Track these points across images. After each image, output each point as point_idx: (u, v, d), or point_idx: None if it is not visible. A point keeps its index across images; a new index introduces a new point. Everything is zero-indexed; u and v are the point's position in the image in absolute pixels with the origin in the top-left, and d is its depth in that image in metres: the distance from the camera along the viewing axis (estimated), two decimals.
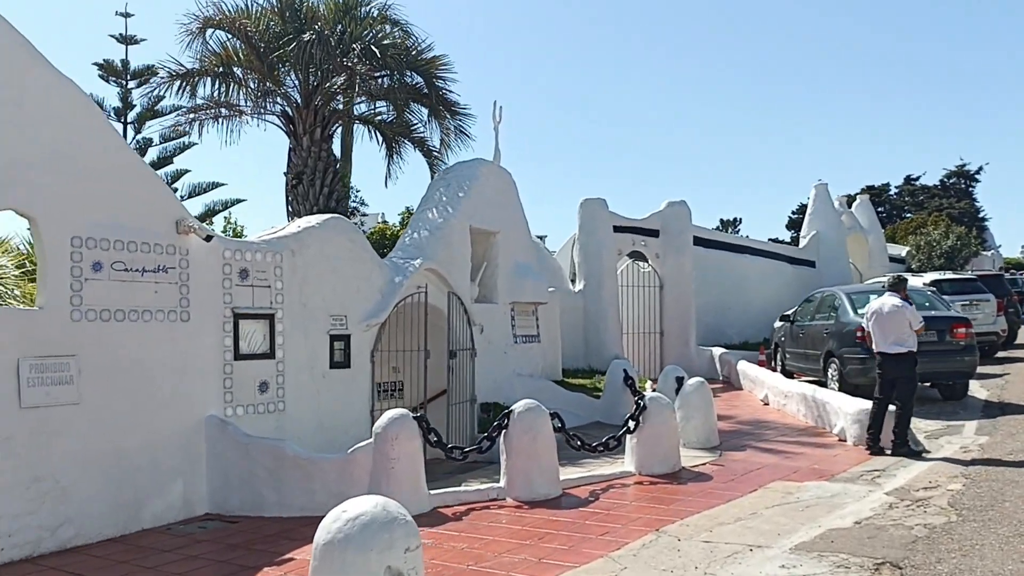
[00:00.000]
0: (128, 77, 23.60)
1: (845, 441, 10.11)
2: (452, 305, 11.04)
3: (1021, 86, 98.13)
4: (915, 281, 19.18)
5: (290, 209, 14.28)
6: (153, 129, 23.52)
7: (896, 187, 61.84)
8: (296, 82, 13.98)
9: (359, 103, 15.04)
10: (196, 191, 22.95)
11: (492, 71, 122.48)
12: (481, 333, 12.08)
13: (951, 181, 58.92)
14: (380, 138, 15.67)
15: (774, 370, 16.02)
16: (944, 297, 17.77)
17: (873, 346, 9.77)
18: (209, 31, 13.94)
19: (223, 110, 14.31)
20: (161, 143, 22.93)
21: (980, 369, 16.75)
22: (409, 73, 14.32)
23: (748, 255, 22.79)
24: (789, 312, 15.69)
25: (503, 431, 7.96)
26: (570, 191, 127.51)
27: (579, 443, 8.61)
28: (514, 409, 8.04)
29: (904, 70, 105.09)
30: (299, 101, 14.12)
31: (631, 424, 8.70)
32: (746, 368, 15.88)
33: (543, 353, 14.06)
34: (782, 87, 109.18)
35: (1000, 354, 19.42)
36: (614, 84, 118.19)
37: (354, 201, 14.67)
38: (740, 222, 68.19)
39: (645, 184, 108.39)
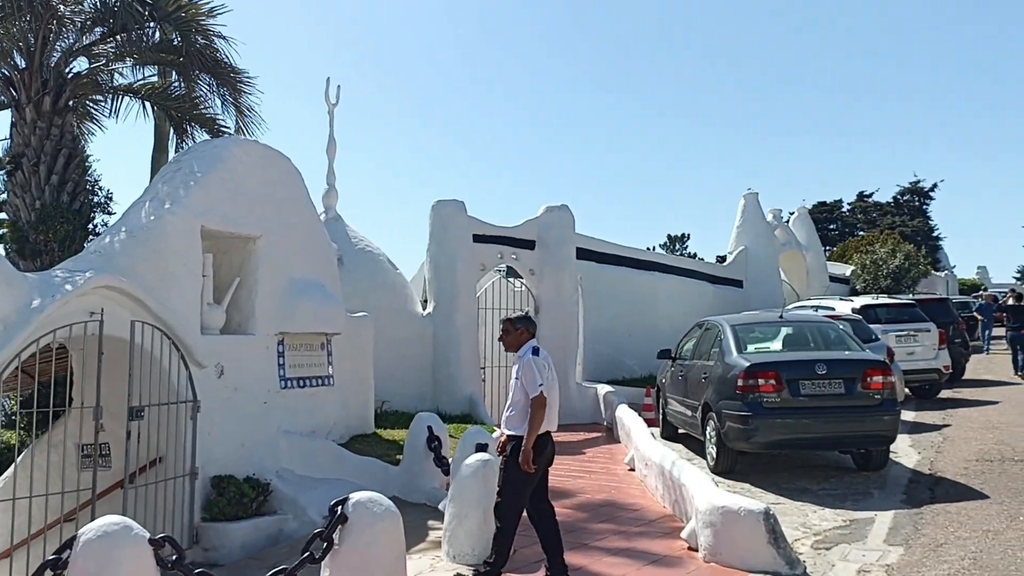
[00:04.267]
0: None
1: (695, 551, 6.80)
2: (145, 339, 7.59)
3: (977, 101, 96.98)
4: (842, 306, 16.06)
5: (6, 203, 10.79)
6: None
7: (849, 203, 59.44)
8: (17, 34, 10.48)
9: (117, 69, 11.55)
10: None
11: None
12: (219, 377, 8.66)
13: (904, 198, 56.65)
14: (161, 117, 12.22)
15: (662, 418, 12.72)
16: (875, 327, 14.70)
17: None
18: None
19: None
20: None
21: (916, 417, 13.66)
22: (177, 33, 10.89)
23: (656, 272, 19.55)
24: (671, 347, 12.37)
25: None
26: (501, 207, 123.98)
27: None
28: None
29: (859, 83, 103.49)
30: (21, 62, 10.63)
31: (320, 545, 5.34)
32: (624, 415, 12.55)
33: (343, 400, 10.64)
34: (734, 101, 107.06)
35: (944, 393, 16.35)
36: (551, 91, 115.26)
37: (103, 196, 10.97)
38: (688, 238, 65.28)
39: (588, 201, 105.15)
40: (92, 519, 5.84)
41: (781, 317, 10.46)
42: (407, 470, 9.49)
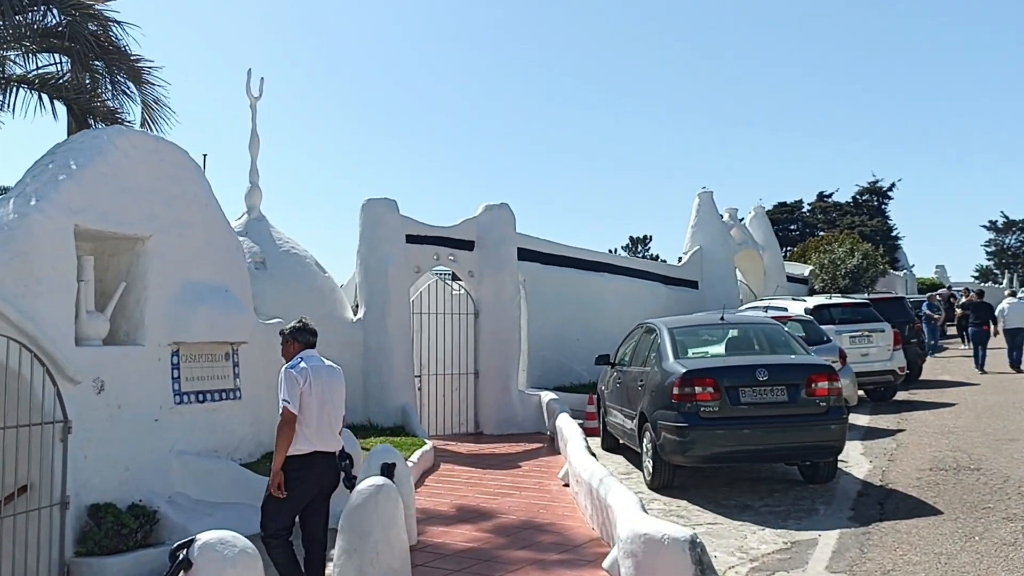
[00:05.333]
0: None
1: None
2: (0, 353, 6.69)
3: (936, 100, 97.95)
4: (794, 307, 15.46)
5: None
6: None
7: (809, 204, 59.35)
8: None
9: (8, 57, 10.59)
10: None
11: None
12: (99, 393, 7.77)
13: (863, 198, 56.61)
14: (53, 109, 11.24)
15: (603, 428, 12.00)
16: (828, 328, 14.11)
17: None
18: None
19: None
20: None
21: (870, 422, 13.07)
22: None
23: (605, 273, 18.82)
24: (611, 352, 11.63)
25: None
26: (449, 210, 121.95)
27: None
28: None
29: (818, 84, 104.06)
30: None
31: None
32: (564, 425, 11.79)
33: (253, 415, 9.77)
34: (695, 102, 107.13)
35: (900, 395, 15.81)
36: (502, 84, 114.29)
37: None
38: (651, 240, 65.05)
39: (542, 203, 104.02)
40: None
41: (723, 319, 9.76)
42: None
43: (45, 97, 11.22)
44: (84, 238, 8.16)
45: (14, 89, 11.07)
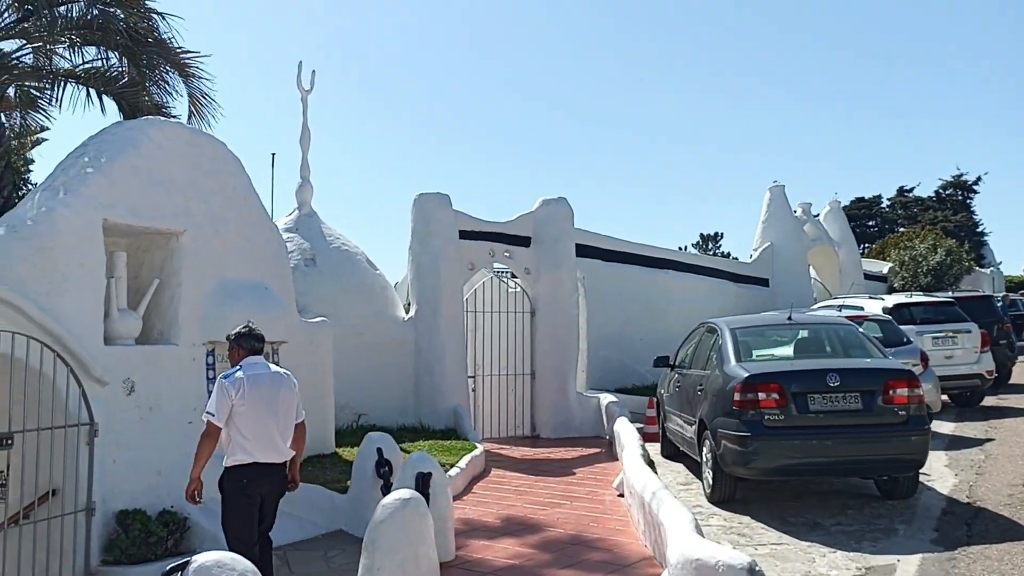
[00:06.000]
0: None
1: None
2: (20, 352, 6.41)
3: (1022, 91, 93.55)
4: (871, 306, 14.55)
5: None
6: None
7: (888, 199, 57.21)
8: None
9: (55, 51, 10.46)
10: None
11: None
12: (129, 394, 7.49)
13: (947, 192, 54.23)
14: (101, 104, 11.10)
15: (663, 435, 11.35)
16: (909, 328, 13.19)
17: None
18: None
19: None
20: None
21: (955, 429, 12.13)
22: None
23: (670, 270, 18.08)
24: (671, 354, 10.96)
25: None
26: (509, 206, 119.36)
27: None
28: None
29: (898, 75, 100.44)
30: None
31: None
32: (621, 430, 11.18)
33: None
34: (771, 95, 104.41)
35: (988, 400, 14.75)
36: (579, 78, 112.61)
37: None
38: (722, 237, 63.52)
39: (609, 200, 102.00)
40: None
41: (790, 319, 9.03)
42: (354, 500, 8.23)
43: (93, 92, 11.09)
44: (116, 233, 7.90)
45: (62, 83, 10.95)
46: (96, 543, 7.02)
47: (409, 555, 5.50)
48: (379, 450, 8.17)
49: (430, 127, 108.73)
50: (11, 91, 11.20)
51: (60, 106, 11.19)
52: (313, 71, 13.38)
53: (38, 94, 11.55)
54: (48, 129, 12.20)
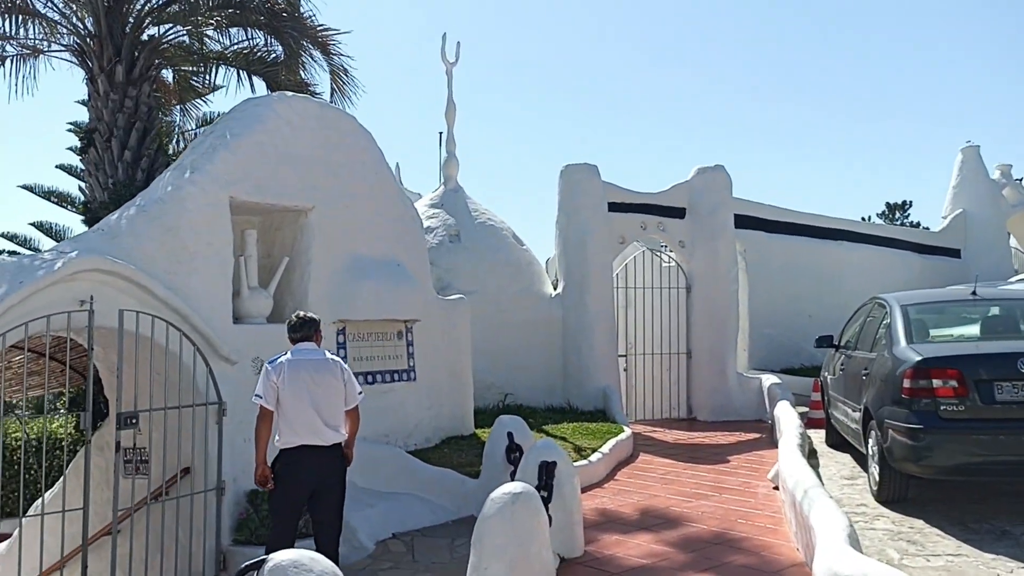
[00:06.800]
0: None
1: None
2: (146, 331, 6.42)
3: None
4: None
5: (83, 181, 10.20)
6: None
7: None
8: None
9: (205, 33, 10.66)
10: None
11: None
12: (258, 373, 7.43)
13: None
14: (251, 84, 11.27)
15: (827, 422, 10.35)
16: None
17: None
18: None
19: (7, 46, 10.30)
20: None
21: None
22: None
23: (844, 241, 16.66)
24: (835, 333, 9.89)
25: None
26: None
27: None
28: None
29: None
30: (90, 28, 9.92)
31: None
32: (781, 414, 10.30)
33: (429, 398, 9.22)
34: (964, 50, 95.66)
35: None
36: (748, 40, 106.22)
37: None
38: (910, 205, 58.90)
39: (782, 169, 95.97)
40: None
41: (974, 293, 7.87)
42: (485, 485, 7.85)
43: (244, 73, 11.27)
44: (246, 211, 7.88)
45: (213, 66, 11.18)
46: (227, 522, 7.03)
47: (519, 554, 5.04)
48: (509, 434, 7.78)
49: (579, 96, 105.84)
50: (168, 76, 11.56)
51: (213, 87, 11.49)
52: (458, 42, 13.14)
53: (194, 80, 11.89)
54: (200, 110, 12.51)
